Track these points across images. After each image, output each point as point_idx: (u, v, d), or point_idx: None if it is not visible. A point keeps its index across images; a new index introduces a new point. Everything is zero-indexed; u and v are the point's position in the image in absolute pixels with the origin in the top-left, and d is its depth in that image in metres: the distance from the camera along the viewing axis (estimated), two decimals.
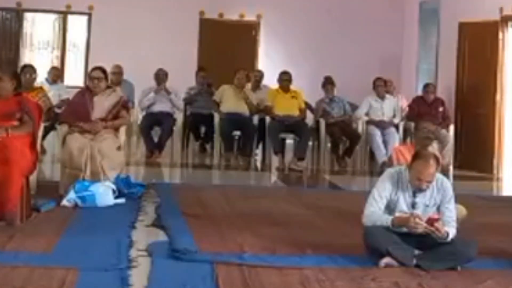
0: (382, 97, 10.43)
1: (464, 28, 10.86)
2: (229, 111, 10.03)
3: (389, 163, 6.36)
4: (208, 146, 10.86)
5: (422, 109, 10.10)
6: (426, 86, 10.51)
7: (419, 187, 4.71)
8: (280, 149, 10.08)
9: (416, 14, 12.46)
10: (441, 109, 10.25)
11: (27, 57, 12.69)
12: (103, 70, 7.07)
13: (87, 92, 7.00)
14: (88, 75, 6.88)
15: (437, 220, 4.63)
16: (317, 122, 10.37)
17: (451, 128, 10.17)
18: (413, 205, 4.76)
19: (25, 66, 9.63)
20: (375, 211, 4.72)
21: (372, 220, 4.70)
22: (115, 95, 7.07)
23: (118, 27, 12.36)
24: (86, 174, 6.37)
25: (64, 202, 6.04)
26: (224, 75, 10.78)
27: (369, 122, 10.25)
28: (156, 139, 9.98)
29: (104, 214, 5.83)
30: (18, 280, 3.87)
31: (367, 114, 10.37)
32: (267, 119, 10.09)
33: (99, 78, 6.93)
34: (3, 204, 5.17)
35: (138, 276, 4.11)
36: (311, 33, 12.83)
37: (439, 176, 4.80)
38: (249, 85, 10.84)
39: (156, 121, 9.99)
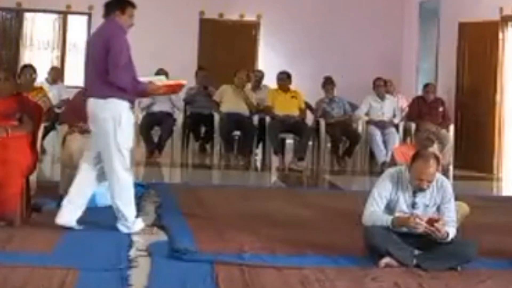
0: (382, 97, 10.43)
1: (464, 28, 10.85)
2: (229, 111, 10.03)
3: (390, 163, 6.36)
4: (208, 146, 10.85)
5: (422, 109, 10.10)
6: (426, 86, 10.50)
7: (419, 187, 4.71)
8: (280, 149, 10.08)
9: (416, 14, 12.46)
10: (441, 109, 10.24)
11: (27, 57, 12.66)
12: None
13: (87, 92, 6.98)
14: None
15: (437, 220, 4.63)
16: (317, 122, 10.36)
17: (451, 128, 10.17)
18: (413, 205, 4.76)
19: (25, 66, 9.61)
20: (375, 211, 4.72)
21: (372, 220, 4.69)
22: None
23: None
24: None
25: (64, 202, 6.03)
26: (224, 75, 10.78)
27: (369, 122, 10.25)
28: (156, 139, 9.97)
29: (104, 214, 5.82)
30: (18, 280, 3.88)
31: (367, 114, 10.38)
32: (267, 119, 10.08)
33: None
34: (3, 204, 5.18)
35: (138, 276, 4.11)
36: (311, 33, 12.81)
37: (439, 176, 4.80)
38: (249, 85, 10.83)
39: (156, 121, 9.98)
